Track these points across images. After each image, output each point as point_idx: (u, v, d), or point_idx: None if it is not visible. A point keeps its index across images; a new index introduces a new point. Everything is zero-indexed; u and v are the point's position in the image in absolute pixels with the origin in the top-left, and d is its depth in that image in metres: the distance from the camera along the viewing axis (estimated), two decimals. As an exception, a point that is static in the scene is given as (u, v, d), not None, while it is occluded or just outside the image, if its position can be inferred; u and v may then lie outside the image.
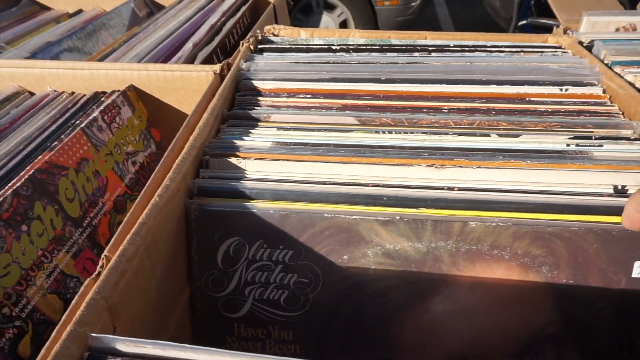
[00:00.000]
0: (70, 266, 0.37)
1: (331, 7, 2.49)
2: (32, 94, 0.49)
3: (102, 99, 0.47)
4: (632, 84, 0.44)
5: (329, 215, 0.30)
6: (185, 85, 0.48)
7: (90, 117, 0.43)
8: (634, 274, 0.30)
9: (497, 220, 0.30)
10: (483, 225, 0.30)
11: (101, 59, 0.56)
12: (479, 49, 0.52)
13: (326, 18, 2.52)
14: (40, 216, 0.35)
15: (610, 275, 0.30)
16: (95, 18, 0.78)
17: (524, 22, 1.82)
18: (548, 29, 0.84)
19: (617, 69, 0.47)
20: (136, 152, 0.47)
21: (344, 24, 2.53)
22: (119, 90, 0.48)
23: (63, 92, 0.48)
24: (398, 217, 0.30)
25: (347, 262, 0.32)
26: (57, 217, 0.36)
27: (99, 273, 0.25)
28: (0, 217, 0.32)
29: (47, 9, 0.85)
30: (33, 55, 0.61)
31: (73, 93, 0.48)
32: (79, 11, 0.83)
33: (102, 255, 0.26)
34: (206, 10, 0.73)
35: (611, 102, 0.42)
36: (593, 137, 0.37)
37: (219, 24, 0.66)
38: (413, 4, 2.43)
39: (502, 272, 0.31)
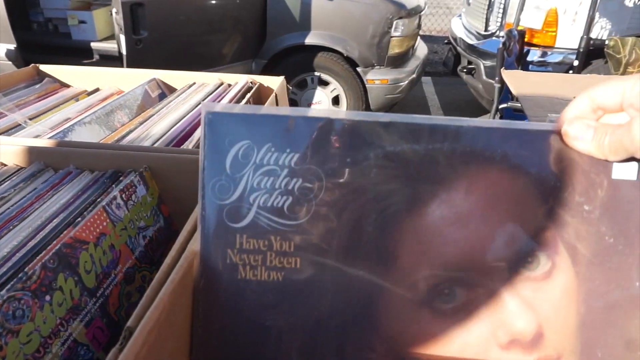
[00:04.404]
0: (82, 334, 0.40)
1: (325, 83, 2.65)
2: (55, 170, 0.54)
3: (121, 177, 0.52)
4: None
5: (334, 117, 0.32)
6: (196, 168, 0.54)
7: (110, 196, 0.48)
8: (614, 176, 0.31)
9: (489, 122, 0.32)
10: (476, 127, 0.32)
11: (119, 140, 0.62)
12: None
13: (319, 93, 2.68)
14: (62, 287, 0.39)
15: (594, 177, 0.32)
16: (112, 97, 0.86)
17: (505, 105, 1.96)
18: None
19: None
20: (147, 227, 0.52)
21: (336, 99, 2.68)
22: (135, 171, 0.53)
23: (85, 171, 0.53)
24: (398, 119, 0.32)
25: (349, 165, 0.33)
26: (75, 288, 0.40)
27: (122, 343, 0.29)
28: (29, 288, 0.36)
29: (67, 86, 0.92)
30: (54, 132, 0.67)
31: (93, 171, 0.54)
32: (96, 90, 0.91)
33: (126, 327, 0.30)
34: (214, 95, 0.81)
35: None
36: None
37: (226, 109, 0.73)
38: (401, 83, 2.61)
39: (494, 174, 0.32)
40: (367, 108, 2.65)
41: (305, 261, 0.34)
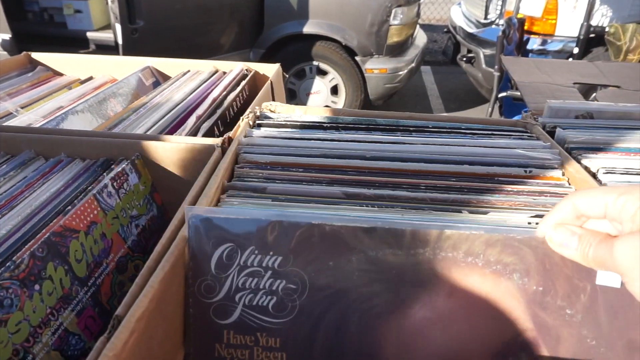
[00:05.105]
0: (74, 324, 0.39)
1: (323, 73, 2.63)
2: (46, 158, 0.53)
3: (112, 166, 0.51)
4: (587, 168, 0.49)
5: (317, 222, 0.33)
6: (189, 155, 0.53)
7: (101, 184, 0.47)
8: (598, 282, 0.32)
9: (470, 227, 0.32)
10: (458, 233, 0.32)
11: (111, 128, 0.61)
12: (454, 130, 0.58)
13: (318, 83, 2.66)
14: (52, 276, 0.38)
15: (577, 283, 0.32)
16: (105, 85, 0.85)
17: (504, 94, 1.95)
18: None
19: (575, 153, 0.53)
20: (140, 215, 0.51)
21: (335, 89, 2.66)
22: (127, 159, 0.52)
23: (76, 159, 0.53)
24: (380, 224, 0.33)
25: (332, 268, 0.34)
26: (66, 277, 0.39)
27: (111, 332, 0.28)
28: (17, 277, 0.35)
29: (60, 74, 0.91)
30: (47, 120, 0.66)
31: (85, 160, 0.53)
32: (90, 78, 0.89)
33: (114, 315, 0.29)
34: (209, 83, 0.79)
35: (569, 184, 0.47)
36: (551, 216, 0.41)
37: (220, 97, 0.72)
38: (401, 72, 2.59)
39: (476, 279, 0.33)
40: (366, 97, 2.63)
41: (291, 357, 0.35)
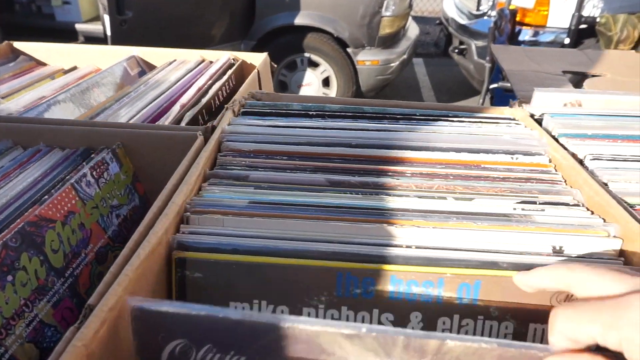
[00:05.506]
0: (50, 315, 0.38)
1: (315, 65, 2.62)
2: (25, 148, 0.52)
3: (92, 155, 0.50)
4: (574, 155, 0.49)
5: (287, 325, 0.27)
6: (171, 144, 0.52)
7: (80, 173, 0.46)
8: None
9: (479, 339, 0.26)
10: (463, 346, 0.26)
11: (93, 117, 0.60)
12: (442, 118, 0.57)
13: (310, 75, 2.64)
14: (26, 267, 0.37)
15: None
16: (90, 75, 0.83)
17: (495, 85, 1.94)
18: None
19: (563, 141, 0.52)
20: (121, 205, 0.50)
21: (326, 81, 2.65)
22: (108, 148, 0.51)
23: (55, 148, 0.51)
24: (364, 330, 0.27)
25: None
26: (41, 268, 0.38)
27: (82, 322, 0.27)
28: (-11, 267, 0.34)
29: (44, 64, 0.89)
30: (27, 110, 0.65)
31: (64, 149, 0.52)
32: (74, 68, 0.88)
33: (86, 305, 0.28)
34: (195, 72, 0.78)
35: (555, 171, 0.47)
36: (537, 202, 0.41)
37: (205, 86, 0.71)
38: (392, 64, 2.58)
39: None
40: (358, 89, 2.62)
41: None
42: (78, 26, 2.67)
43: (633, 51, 1.40)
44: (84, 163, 0.48)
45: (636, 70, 0.80)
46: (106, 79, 0.78)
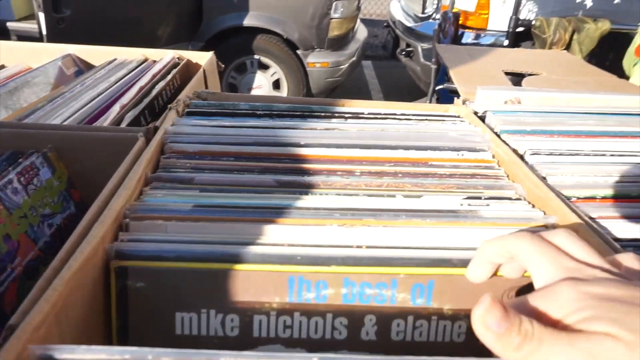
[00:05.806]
0: (-28, 337, 0.35)
1: (265, 67, 2.59)
2: (-59, 154, 0.47)
3: (20, 159, 0.46)
4: (515, 151, 0.51)
5: None
6: (110, 147, 0.49)
7: (5, 179, 0.42)
8: None
9: None
10: None
11: (22, 118, 0.56)
12: (389, 116, 0.57)
13: (260, 77, 2.61)
14: (-59, 284, 0.33)
15: None
16: (19, 75, 0.77)
17: (441, 86, 2.00)
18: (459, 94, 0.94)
19: (505, 137, 0.54)
20: (54, 214, 0.47)
21: (277, 83, 2.63)
22: (38, 151, 0.47)
23: (-23, 153, 0.47)
24: None
25: None
26: (-40, 285, 0.35)
27: (2, 345, 0.25)
28: None
29: (-35, 64, 0.82)
30: (-55, 113, 0.59)
31: (-12, 153, 0.47)
32: (1, 67, 0.81)
33: (7, 325, 0.26)
34: (137, 71, 0.75)
35: (498, 166, 0.48)
36: (482, 198, 0.42)
37: (148, 86, 0.68)
38: (342, 66, 2.60)
39: None
40: (308, 91, 2.62)
41: None
42: (10, 25, 2.50)
43: (565, 51, 1.49)
44: (10, 168, 0.44)
45: (568, 69, 0.85)
46: (38, 79, 0.73)
